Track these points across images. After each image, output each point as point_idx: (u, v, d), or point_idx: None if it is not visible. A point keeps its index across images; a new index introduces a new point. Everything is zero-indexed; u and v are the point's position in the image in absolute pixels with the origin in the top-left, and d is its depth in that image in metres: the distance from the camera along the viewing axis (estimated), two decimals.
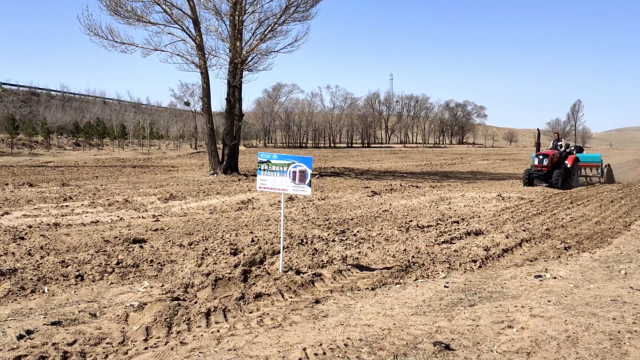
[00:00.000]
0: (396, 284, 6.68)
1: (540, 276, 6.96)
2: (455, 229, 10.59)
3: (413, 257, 7.96)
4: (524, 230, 10.53)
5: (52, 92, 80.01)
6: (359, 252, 8.30)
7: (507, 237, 9.69)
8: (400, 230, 10.45)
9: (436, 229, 10.61)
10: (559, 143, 22.87)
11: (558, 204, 15.32)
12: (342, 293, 6.21)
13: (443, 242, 9.13)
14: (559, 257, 8.45)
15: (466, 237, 9.77)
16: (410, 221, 11.54)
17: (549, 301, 5.73)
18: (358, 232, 10.19)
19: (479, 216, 12.64)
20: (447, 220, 11.85)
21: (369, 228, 10.71)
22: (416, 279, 6.92)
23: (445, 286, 6.51)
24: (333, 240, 9.24)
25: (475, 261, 7.86)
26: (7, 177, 22.93)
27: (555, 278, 6.92)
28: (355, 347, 4.47)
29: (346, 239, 9.41)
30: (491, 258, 8.20)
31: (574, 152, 23.07)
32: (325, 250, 8.42)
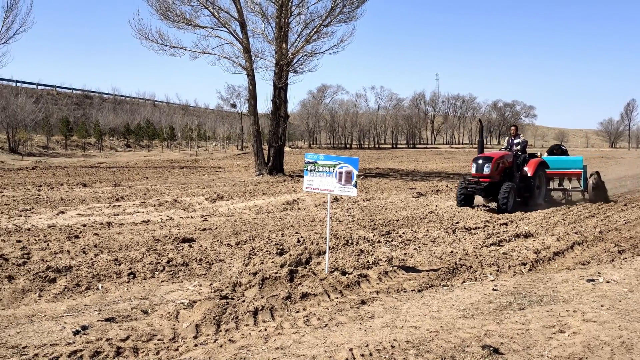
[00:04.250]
0: (443, 286, 6.61)
1: (592, 280, 6.76)
2: (503, 231, 10.40)
3: (460, 259, 7.86)
4: (575, 233, 10.25)
5: (105, 95, 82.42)
6: (405, 254, 8.25)
7: (558, 240, 9.45)
8: (446, 231, 10.34)
9: (484, 231, 10.44)
10: (516, 141, 15.71)
11: (611, 207, 14.85)
12: (388, 294, 6.19)
13: (491, 245, 8.98)
14: (613, 260, 8.19)
15: (515, 240, 9.58)
16: (457, 223, 11.40)
17: (602, 306, 5.56)
18: (404, 233, 10.13)
19: (529, 218, 12.37)
20: (495, 222, 11.65)
21: (415, 229, 10.63)
22: (464, 282, 6.83)
23: (494, 289, 6.40)
24: (379, 242, 9.22)
25: (525, 264, 7.70)
26: (62, 178, 23.78)
27: (608, 282, 6.71)
28: (402, 349, 4.45)
29: (392, 240, 9.37)
30: (541, 261, 8.01)
31: (539, 154, 16.43)
32: (371, 251, 8.41)
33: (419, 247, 8.82)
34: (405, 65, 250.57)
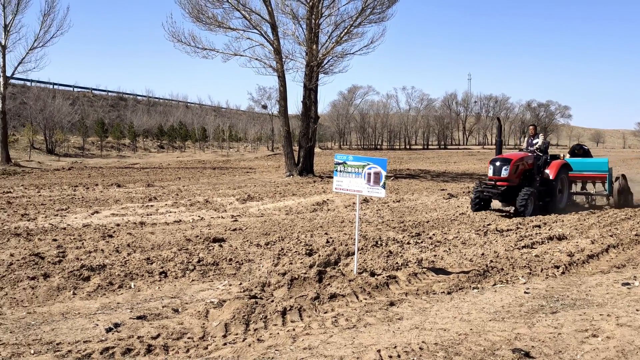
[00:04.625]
0: (473, 288, 6.54)
1: (628, 284, 6.60)
2: (536, 234, 10.23)
3: (491, 261, 7.76)
4: (611, 236, 10.02)
5: (139, 97, 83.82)
6: (435, 255, 8.19)
7: (593, 243, 9.25)
8: (477, 233, 10.22)
9: (516, 233, 10.29)
10: (535, 141, 14.81)
11: None
12: (417, 296, 6.15)
13: (523, 247, 8.85)
14: None
15: (548, 242, 9.41)
16: (488, 225, 11.26)
17: (637, 310, 5.43)
18: (434, 235, 10.05)
19: (563, 220, 12.14)
20: (527, 224, 11.46)
21: (445, 231, 10.53)
22: (494, 284, 6.75)
23: (525, 292, 6.30)
24: (408, 243, 9.16)
25: (557, 267, 7.55)
26: (97, 178, 24.29)
27: None
28: (431, 351, 4.42)
29: (421, 242, 9.30)
30: (575, 264, 7.85)
31: (562, 155, 15.38)
32: (400, 252, 8.37)
33: (449, 249, 8.74)
34: (437, 66, 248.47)
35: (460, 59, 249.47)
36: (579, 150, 16.62)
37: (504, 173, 13.13)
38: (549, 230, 10.68)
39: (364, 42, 31.35)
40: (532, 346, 4.55)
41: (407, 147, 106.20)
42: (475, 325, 5.07)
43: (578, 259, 8.06)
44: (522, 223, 11.53)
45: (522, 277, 7.10)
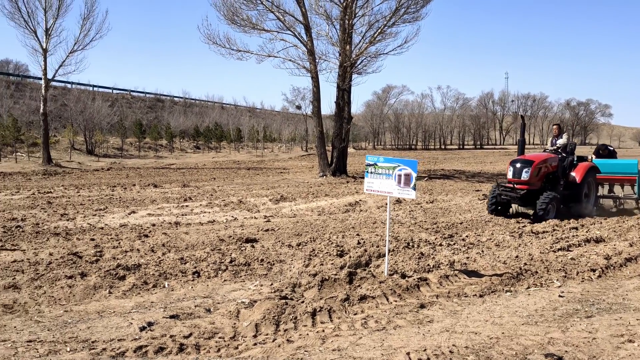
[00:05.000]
0: (506, 291, 6.44)
1: None
2: (573, 236, 10.01)
3: (525, 264, 7.63)
4: None
5: (175, 99, 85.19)
6: (468, 258, 8.09)
7: (631, 246, 9.00)
8: (512, 235, 10.06)
9: (552, 235, 10.09)
10: (559, 141, 13.74)
11: None
12: (448, 299, 6.10)
13: (559, 249, 8.66)
14: None
15: (585, 245, 9.19)
16: (523, 226, 11.07)
17: None
18: (467, 236, 9.93)
19: (601, 222, 11.85)
20: (564, 226, 11.23)
21: (479, 233, 10.40)
22: (528, 287, 6.63)
23: (560, 295, 6.18)
24: (440, 245, 9.08)
25: (594, 270, 7.38)
26: (135, 179, 24.79)
27: None
28: (461, 355, 4.39)
29: (454, 244, 9.21)
30: (612, 267, 7.65)
31: (590, 157, 14.43)
32: (432, 254, 8.30)
33: (482, 251, 8.63)
34: (473, 65, 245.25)
35: (497, 57, 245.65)
36: (604, 151, 15.62)
37: (525, 176, 12.31)
38: (586, 232, 10.43)
39: (398, 42, 31.16)
40: (566, 351, 4.47)
41: (442, 147, 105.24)
42: (508, 329, 5.01)
43: (615, 262, 7.85)
44: (559, 225, 11.30)
45: (557, 280, 6.96)
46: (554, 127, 14.48)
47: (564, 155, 13.39)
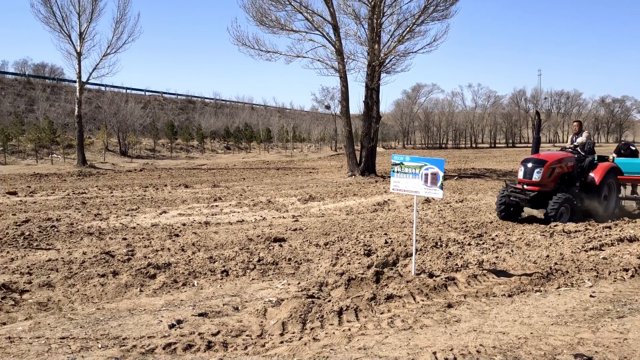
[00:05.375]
0: (536, 291, 6.36)
1: None
2: (606, 235, 9.81)
3: (556, 263, 7.51)
4: None
5: (206, 100, 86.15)
6: (497, 257, 8.01)
7: None
8: (543, 235, 9.91)
9: (584, 235, 9.90)
10: (578, 140, 12.98)
11: None
12: (476, 298, 6.05)
13: (591, 249, 8.50)
14: None
15: (618, 244, 9.00)
16: (555, 225, 10.88)
17: None
18: (497, 236, 9.82)
19: (635, 221, 11.58)
20: (596, 225, 11.01)
21: (509, 232, 10.27)
22: (559, 287, 6.53)
23: (591, 296, 6.08)
24: (469, 244, 9.00)
25: (627, 270, 7.22)
26: (167, 179, 25.17)
27: None
28: (488, 355, 4.35)
29: (483, 243, 9.12)
30: None
31: (611, 157, 13.58)
32: (461, 254, 8.23)
33: (512, 251, 8.52)
34: (505, 62, 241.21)
35: (530, 54, 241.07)
36: (626, 150, 14.79)
37: (536, 176, 11.51)
38: (620, 231, 10.21)
39: (427, 40, 31.00)
40: (596, 351, 4.40)
41: (473, 145, 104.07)
42: (536, 329, 4.95)
43: None
44: (592, 224, 11.08)
45: (589, 280, 6.84)
46: (575, 123, 13.62)
47: (583, 154, 12.66)
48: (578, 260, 7.75)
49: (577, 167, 12.23)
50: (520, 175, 11.97)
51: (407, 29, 27.40)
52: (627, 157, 14.37)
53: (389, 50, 27.60)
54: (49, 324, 5.17)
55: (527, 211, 12.49)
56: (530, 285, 6.54)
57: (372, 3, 26.85)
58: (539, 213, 12.16)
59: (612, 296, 6.07)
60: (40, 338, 4.74)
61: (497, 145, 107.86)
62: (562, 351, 4.42)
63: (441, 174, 6.54)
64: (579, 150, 12.76)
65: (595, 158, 12.92)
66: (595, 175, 12.35)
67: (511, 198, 11.75)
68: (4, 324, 5.20)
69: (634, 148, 14.91)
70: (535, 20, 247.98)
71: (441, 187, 6.58)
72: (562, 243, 9.09)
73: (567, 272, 7.17)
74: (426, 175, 6.62)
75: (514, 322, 5.18)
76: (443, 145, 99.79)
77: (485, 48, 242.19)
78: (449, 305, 5.74)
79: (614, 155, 14.49)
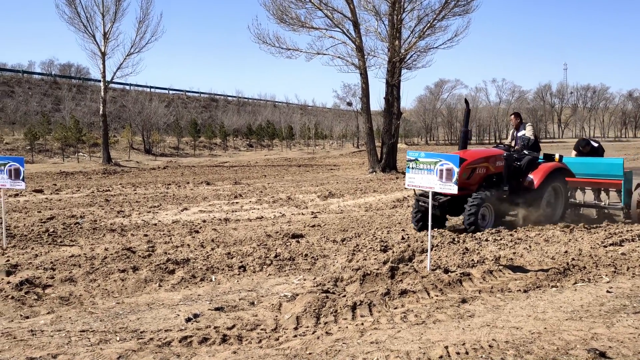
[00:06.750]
0: (552, 287, 6.33)
1: None
2: (627, 231, 9.68)
3: (573, 259, 7.45)
4: None
5: (229, 98, 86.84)
6: (514, 253, 7.97)
7: None
8: (563, 230, 9.81)
9: (605, 230, 9.79)
10: (520, 134, 11.22)
11: None
12: (491, 294, 6.04)
13: (610, 245, 8.41)
14: None
15: (638, 240, 8.89)
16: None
17: None
18: (515, 231, 9.76)
19: None
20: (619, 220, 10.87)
21: (528, 228, 10.18)
22: (575, 283, 6.49)
23: (608, 291, 6.03)
24: (486, 240, 8.97)
25: None
26: (189, 177, 25.49)
27: None
28: (501, 349, 4.37)
29: (501, 239, 9.07)
30: None
31: (560, 156, 11.14)
32: (477, 249, 8.21)
33: (530, 247, 8.47)
34: (529, 56, 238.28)
35: (555, 48, 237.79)
36: (585, 147, 12.75)
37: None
38: None
39: (448, 36, 30.81)
40: (610, 346, 4.38)
41: (497, 141, 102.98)
42: (550, 324, 4.94)
43: None
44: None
45: (606, 275, 6.77)
46: (512, 116, 11.65)
47: (524, 152, 10.84)
48: (596, 255, 7.68)
49: (507, 167, 10.28)
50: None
51: (428, 25, 27.31)
52: (588, 155, 12.50)
53: (410, 46, 27.55)
54: (70, 318, 5.32)
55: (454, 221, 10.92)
56: (546, 281, 6.51)
57: None
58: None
59: (630, 292, 6.02)
60: (61, 331, 4.89)
61: None
62: (576, 346, 4.41)
63: (456, 169, 6.54)
64: (521, 147, 10.99)
65: (541, 157, 11.10)
66: (534, 177, 10.52)
67: (420, 204, 10.05)
68: (27, 317, 5.37)
69: (595, 145, 13.00)
70: (561, 12, 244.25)
71: (456, 183, 6.58)
72: (582, 239, 9.01)
73: (585, 267, 7.11)
74: (441, 171, 6.63)
75: (528, 317, 5.18)
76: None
77: (510, 42, 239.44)
78: (463, 301, 5.75)
79: (574, 153, 12.95)
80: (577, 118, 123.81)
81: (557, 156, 11.12)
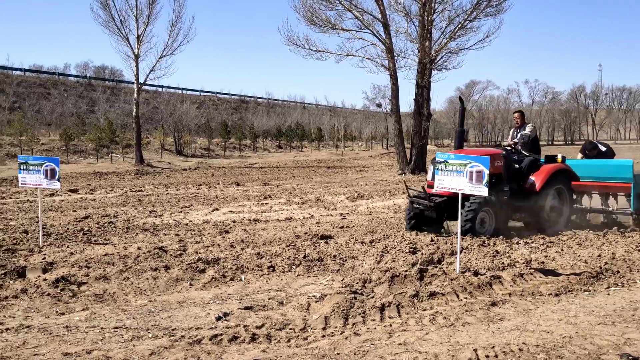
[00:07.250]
0: (584, 291, 6.23)
1: None
2: None
3: (606, 263, 7.32)
4: None
5: (259, 99, 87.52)
6: (546, 256, 7.87)
7: None
8: (596, 234, 9.64)
9: None
10: (520, 133, 10.56)
11: None
12: (521, 297, 5.98)
13: None
14: None
15: None
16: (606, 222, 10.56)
17: None
18: (547, 234, 9.62)
19: None
20: None
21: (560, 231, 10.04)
22: (608, 287, 6.38)
23: None
24: (517, 243, 8.86)
25: None
26: (219, 178, 25.77)
27: None
28: (531, 353, 4.33)
29: (532, 242, 8.96)
30: None
31: (563, 157, 10.58)
32: (508, 252, 8.13)
33: (562, 250, 8.35)
34: (563, 57, 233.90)
35: (590, 48, 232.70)
36: (592, 151, 12.08)
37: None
38: None
39: (479, 37, 30.46)
40: None
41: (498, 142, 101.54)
42: (582, 329, 4.87)
43: None
44: None
45: None
46: (515, 114, 11.02)
47: (525, 153, 10.34)
48: (630, 260, 7.53)
49: (507, 168, 9.89)
50: (429, 176, 9.60)
51: (459, 26, 27.12)
52: (595, 158, 11.85)
53: (440, 47, 27.38)
54: (103, 315, 5.45)
55: (452, 228, 9.92)
56: (578, 285, 6.41)
57: (423, 0, 26.65)
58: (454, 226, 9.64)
59: None
60: (95, 327, 5.02)
61: (555, 142, 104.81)
62: (608, 351, 4.35)
63: (486, 171, 6.49)
64: (521, 145, 10.44)
65: (541, 158, 10.56)
66: (536, 180, 9.90)
67: (414, 205, 9.66)
68: (63, 314, 5.53)
69: (604, 148, 12.24)
70: (595, 12, 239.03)
71: (486, 185, 6.53)
72: (616, 242, 8.84)
73: (618, 271, 6.98)
74: (471, 172, 6.59)
75: (559, 321, 5.12)
76: (498, 143, 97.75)
77: (543, 43, 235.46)
78: (493, 304, 5.71)
79: (580, 155, 12.33)
80: (612, 120, 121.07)
81: (559, 157, 10.56)
